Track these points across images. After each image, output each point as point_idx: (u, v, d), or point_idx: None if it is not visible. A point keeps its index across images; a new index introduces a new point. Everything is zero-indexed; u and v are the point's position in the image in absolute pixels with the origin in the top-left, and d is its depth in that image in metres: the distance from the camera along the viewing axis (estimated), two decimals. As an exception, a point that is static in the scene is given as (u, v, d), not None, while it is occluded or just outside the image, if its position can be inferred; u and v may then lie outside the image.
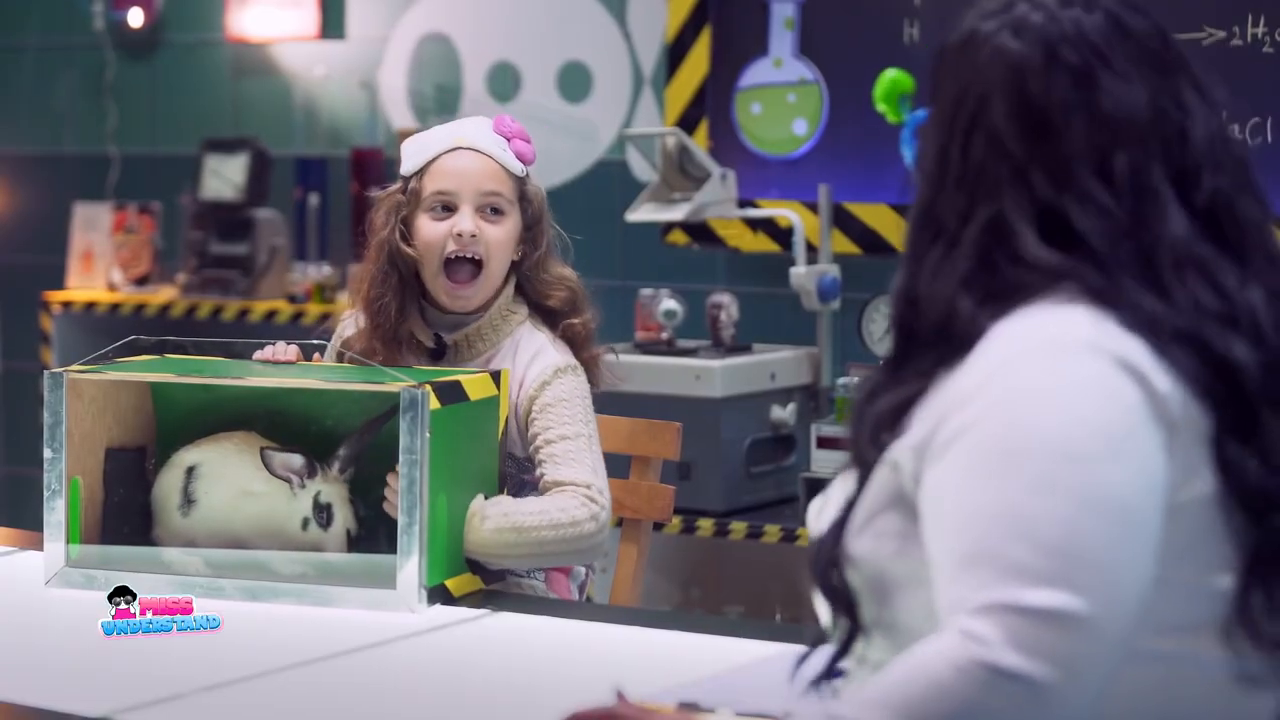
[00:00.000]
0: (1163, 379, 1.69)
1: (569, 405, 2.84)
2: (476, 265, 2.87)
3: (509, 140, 2.93)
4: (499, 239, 2.88)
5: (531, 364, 2.87)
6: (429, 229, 2.88)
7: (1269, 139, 4.13)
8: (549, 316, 2.95)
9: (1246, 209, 1.80)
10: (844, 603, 1.82)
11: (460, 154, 2.90)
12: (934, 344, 1.78)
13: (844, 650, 1.84)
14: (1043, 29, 1.79)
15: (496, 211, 2.89)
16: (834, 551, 1.81)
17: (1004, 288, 1.75)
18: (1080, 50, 1.78)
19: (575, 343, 2.94)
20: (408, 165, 2.93)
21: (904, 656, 1.68)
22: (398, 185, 2.94)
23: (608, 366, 2.98)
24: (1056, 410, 1.67)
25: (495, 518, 2.68)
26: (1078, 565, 1.62)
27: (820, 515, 1.90)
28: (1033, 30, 1.79)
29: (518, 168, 2.92)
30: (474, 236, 2.86)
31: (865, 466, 1.81)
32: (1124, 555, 1.64)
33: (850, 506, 1.82)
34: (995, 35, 1.80)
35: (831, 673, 1.86)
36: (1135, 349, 1.70)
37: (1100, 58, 1.78)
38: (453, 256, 2.86)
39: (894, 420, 1.79)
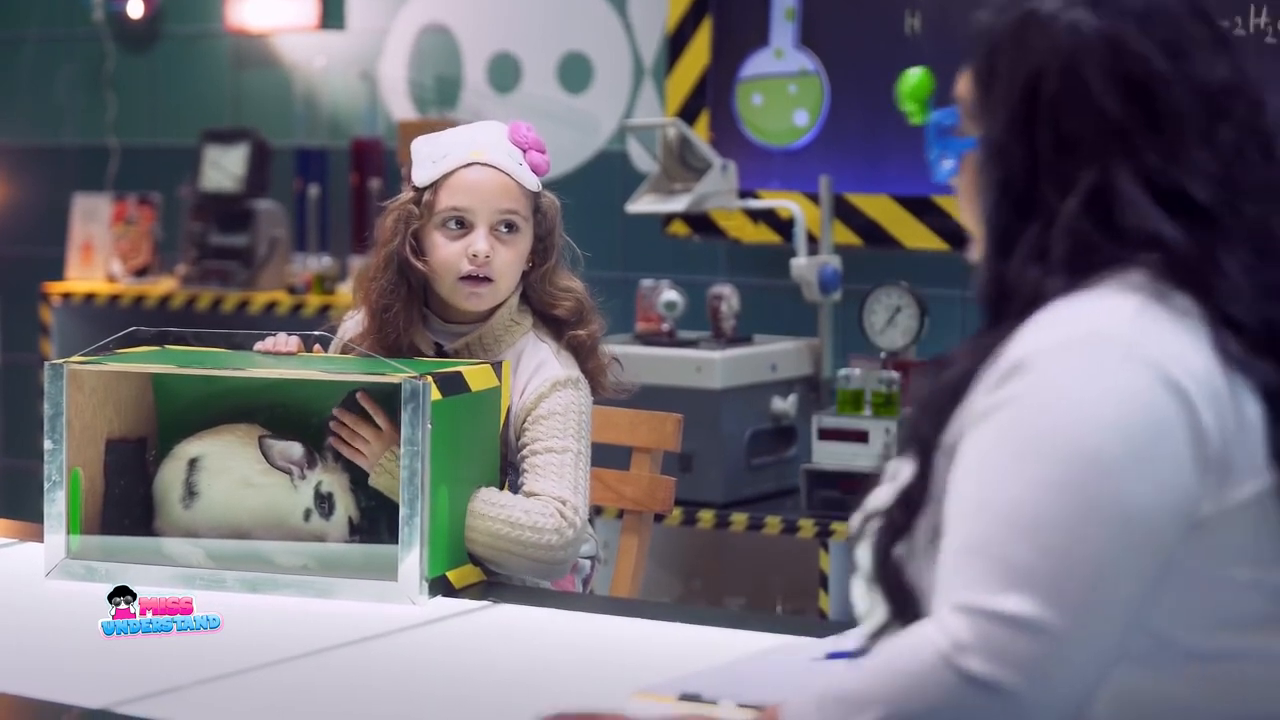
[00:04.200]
0: (1206, 393, 1.66)
1: (562, 419, 2.81)
2: (488, 280, 2.85)
3: (524, 152, 2.88)
4: (511, 259, 2.85)
5: (533, 377, 2.84)
6: (443, 248, 2.84)
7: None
8: (555, 325, 2.93)
9: None
10: (907, 602, 1.78)
11: (476, 169, 2.84)
12: (1023, 317, 1.74)
13: (884, 631, 1.80)
14: (1122, 2, 1.76)
15: (511, 228, 2.85)
16: (894, 547, 1.79)
17: (1101, 265, 1.71)
18: (1165, 23, 1.76)
19: (580, 352, 2.91)
20: (421, 176, 2.87)
21: (892, 642, 1.68)
22: (409, 194, 2.89)
23: (613, 377, 2.96)
24: (1086, 414, 1.64)
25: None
26: (1068, 573, 1.61)
27: (880, 498, 1.85)
28: (1112, 5, 1.76)
29: (533, 182, 2.87)
30: (488, 258, 2.83)
31: (922, 443, 1.78)
32: (1119, 570, 1.62)
33: (909, 495, 1.79)
34: (1066, 11, 1.77)
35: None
36: (1193, 356, 1.66)
37: (1182, 30, 1.76)
38: (466, 276, 2.83)
39: (955, 393, 1.75)
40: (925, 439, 1.78)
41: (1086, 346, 1.67)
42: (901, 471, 1.82)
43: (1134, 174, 1.73)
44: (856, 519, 1.86)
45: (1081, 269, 1.72)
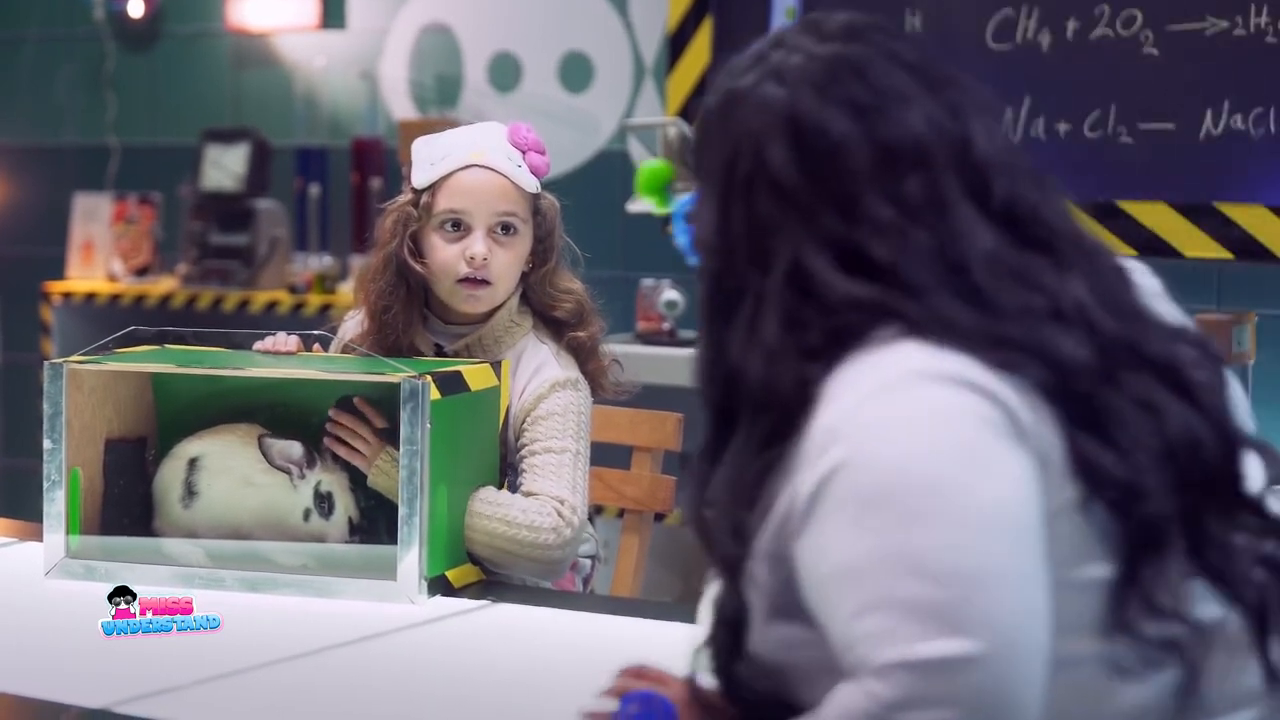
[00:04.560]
0: (1005, 391, 1.65)
1: (561, 419, 2.81)
2: (486, 282, 2.84)
3: (524, 154, 2.88)
4: (509, 261, 2.84)
5: (533, 378, 2.84)
6: (441, 250, 2.83)
7: (1271, 129, 4.12)
8: (555, 326, 2.92)
9: (1047, 207, 1.76)
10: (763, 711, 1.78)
11: (474, 171, 2.84)
12: (758, 418, 1.73)
13: None
14: (804, 69, 1.75)
15: (509, 231, 2.85)
16: (735, 668, 1.78)
17: (822, 340, 1.70)
18: (848, 82, 1.74)
19: (580, 353, 2.91)
20: (419, 178, 2.86)
21: (818, 710, 1.65)
22: (408, 196, 2.89)
23: (613, 378, 2.95)
24: (908, 443, 1.62)
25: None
26: (966, 586, 1.58)
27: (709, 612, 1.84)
28: (794, 72, 1.75)
29: (532, 184, 2.87)
30: (485, 260, 2.83)
31: (733, 566, 1.76)
32: (1011, 572, 1.60)
33: (729, 616, 1.78)
34: (757, 87, 1.76)
35: None
36: (971, 367, 1.65)
37: (870, 85, 1.74)
38: (463, 278, 2.83)
39: (746, 502, 1.73)
40: (730, 557, 1.76)
41: (885, 391, 1.65)
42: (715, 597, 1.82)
43: (819, 244, 1.72)
44: (694, 650, 1.84)
45: (813, 349, 1.70)
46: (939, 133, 1.74)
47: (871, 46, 1.77)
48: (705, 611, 1.86)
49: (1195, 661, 1.69)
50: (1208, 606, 1.71)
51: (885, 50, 1.77)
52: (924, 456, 1.62)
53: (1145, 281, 1.85)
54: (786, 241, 1.73)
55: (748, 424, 1.75)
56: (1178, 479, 1.70)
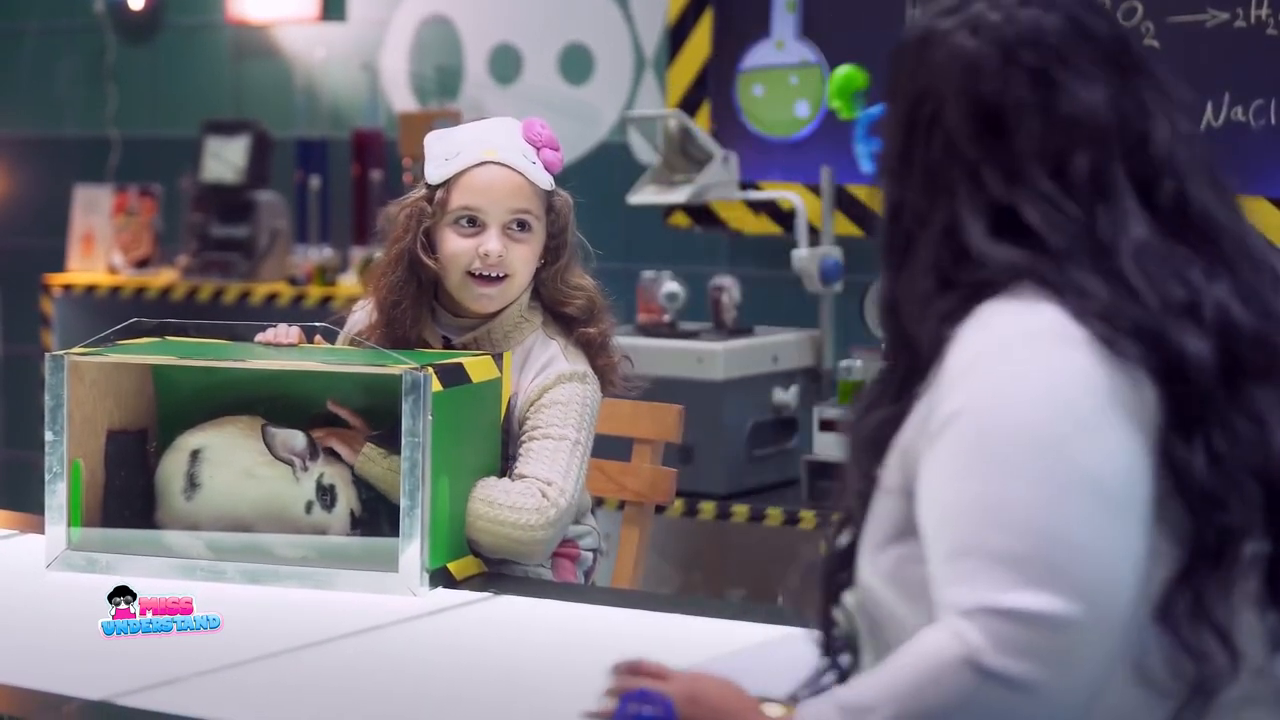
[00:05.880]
0: (1127, 369, 1.68)
1: (564, 408, 2.81)
2: (500, 278, 2.84)
3: (538, 150, 2.87)
4: (524, 257, 2.84)
5: (540, 373, 2.83)
6: (454, 244, 2.83)
7: (1272, 120, 4.12)
8: (564, 322, 2.92)
9: (1213, 209, 1.78)
10: (836, 646, 1.83)
11: (489, 168, 2.83)
12: (911, 356, 1.78)
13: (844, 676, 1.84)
14: (999, 28, 1.78)
15: (523, 228, 2.84)
16: (833, 588, 1.82)
17: (963, 300, 1.74)
18: (1038, 50, 1.77)
19: (590, 349, 2.90)
20: (433, 173, 2.86)
21: (906, 647, 1.68)
22: (421, 191, 2.88)
23: (623, 374, 2.95)
24: (1027, 401, 1.67)
25: None
26: (1059, 548, 1.62)
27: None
28: (990, 29, 1.78)
29: (546, 181, 2.86)
30: (500, 257, 2.83)
31: (864, 493, 1.81)
32: (1107, 532, 1.63)
33: (848, 544, 1.82)
34: (953, 34, 1.79)
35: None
36: (1097, 339, 1.69)
37: (1059, 58, 1.77)
38: (476, 273, 2.83)
39: (879, 442, 1.79)
40: (863, 489, 1.81)
41: (1014, 345, 1.70)
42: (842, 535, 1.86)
43: (977, 205, 1.75)
44: (794, 576, 1.88)
45: (953, 304, 1.75)
46: (1118, 119, 1.77)
47: (1070, 21, 1.79)
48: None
49: (1213, 688, 1.69)
50: (1256, 645, 1.72)
51: (1083, 27, 1.79)
52: (1039, 416, 1.66)
53: None
54: (948, 195, 1.77)
55: (893, 356, 1.81)
56: (1269, 503, 1.71)
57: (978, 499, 1.65)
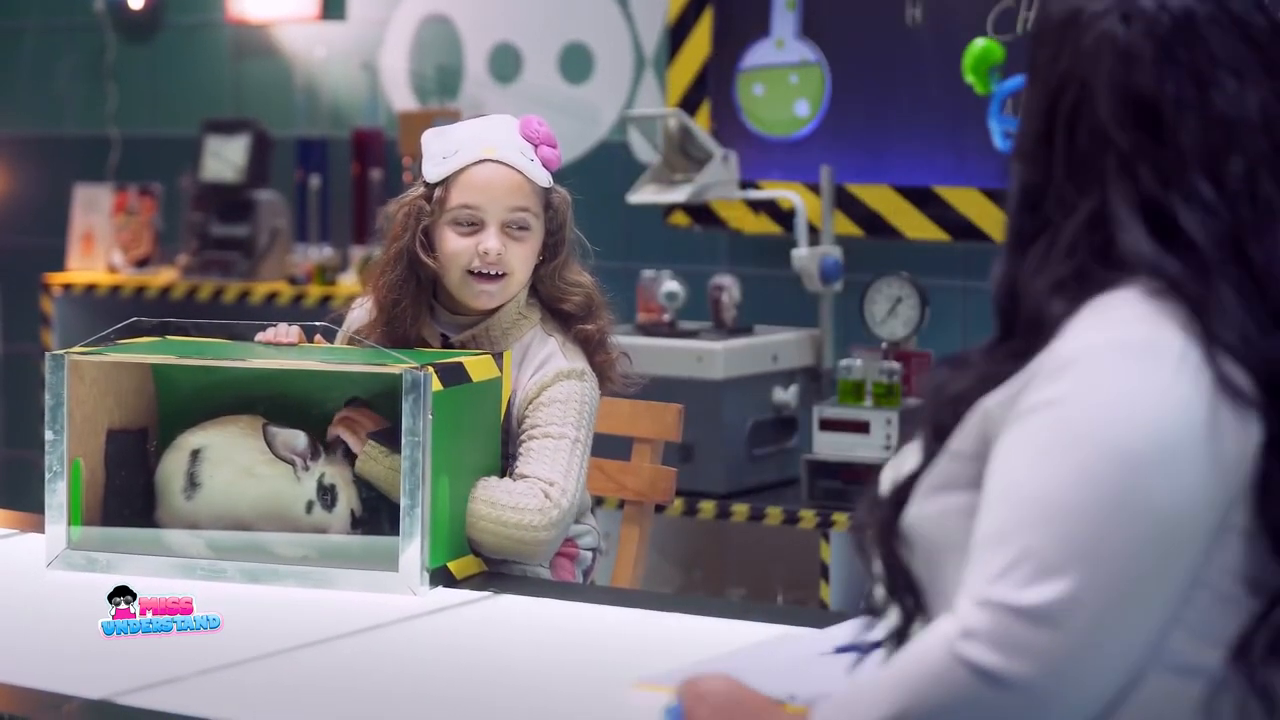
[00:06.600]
0: (1230, 406, 1.63)
1: (563, 406, 2.81)
2: (500, 276, 2.84)
3: (536, 147, 2.87)
4: (522, 255, 2.84)
5: (539, 370, 2.84)
6: (453, 243, 2.83)
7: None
8: (563, 319, 2.92)
9: None
10: (905, 581, 1.77)
11: (487, 166, 2.83)
12: (1027, 336, 1.72)
13: (903, 633, 1.79)
14: (1154, 17, 1.70)
15: (522, 227, 2.84)
16: (894, 524, 1.77)
17: (1099, 290, 1.69)
18: (1193, 45, 1.70)
19: (589, 346, 2.90)
20: (431, 172, 2.86)
21: (914, 642, 1.67)
22: (419, 190, 2.89)
23: (621, 372, 2.95)
24: (1124, 414, 1.61)
25: None
26: (1093, 563, 1.58)
27: (890, 482, 1.83)
28: (1144, 18, 1.70)
29: (544, 178, 2.86)
30: (499, 255, 2.83)
31: (939, 430, 1.76)
32: (1145, 568, 1.60)
33: (915, 476, 1.77)
34: (1103, 18, 1.72)
35: (872, 646, 1.84)
36: (1220, 371, 1.64)
37: (1212, 55, 1.70)
38: (475, 271, 2.83)
39: (973, 394, 1.73)
40: (941, 428, 1.76)
41: (1132, 351, 1.64)
42: (905, 462, 1.81)
43: (1130, 199, 1.69)
44: (862, 508, 1.84)
45: (1082, 293, 1.70)
46: (1269, 122, 1.71)
47: (1225, 12, 1.72)
48: (889, 481, 1.83)
49: None
50: None
51: (1237, 19, 1.72)
52: (1128, 436, 1.61)
53: None
54: (1097, 184, 1.70)
55: (1016, 338, 1.74)
56: None
57: (1036, 492, 1.62)
